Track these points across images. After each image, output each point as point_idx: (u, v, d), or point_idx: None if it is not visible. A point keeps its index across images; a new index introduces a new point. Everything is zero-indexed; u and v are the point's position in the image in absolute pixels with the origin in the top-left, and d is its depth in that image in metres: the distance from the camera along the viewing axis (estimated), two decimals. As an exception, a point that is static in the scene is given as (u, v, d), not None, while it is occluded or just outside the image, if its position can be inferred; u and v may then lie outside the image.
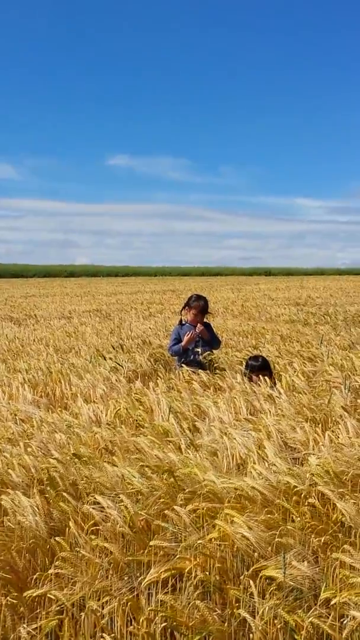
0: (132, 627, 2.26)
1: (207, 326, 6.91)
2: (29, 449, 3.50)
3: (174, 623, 2.18)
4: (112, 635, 2.19)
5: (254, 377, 5.39)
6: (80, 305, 19.22)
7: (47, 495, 2.97)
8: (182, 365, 6.19)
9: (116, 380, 5.81)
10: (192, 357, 6.44)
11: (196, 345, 6.52)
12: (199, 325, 6.57)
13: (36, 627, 2.20)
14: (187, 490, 2.83)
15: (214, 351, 6.53)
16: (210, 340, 6.64)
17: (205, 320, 6.87)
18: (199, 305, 6.75)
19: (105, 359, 7.19)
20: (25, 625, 2.17)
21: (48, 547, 2.68)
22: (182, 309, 6.95)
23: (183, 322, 6.78)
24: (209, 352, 6.43)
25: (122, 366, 6.60)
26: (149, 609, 2.24)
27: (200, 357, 6.36)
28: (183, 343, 6.47)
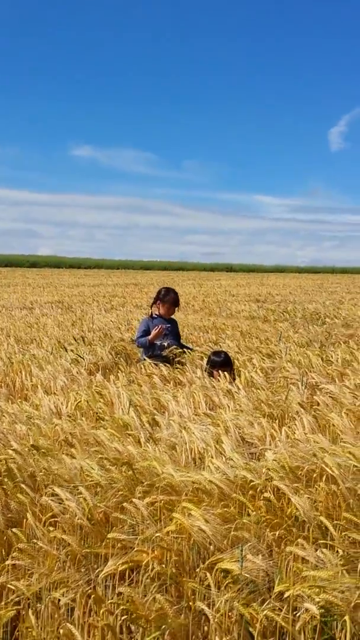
0: (91, 618, 2.28)
1: (176, 323, 6.96)
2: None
3: (133, 616, 2.20)
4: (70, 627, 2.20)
5: (215, 373, 5.43)
6: (42, 297, 19.08)
7: (4, 487, 2.97)
8: (146, 358, 6.23)
9: (77, 372, 5.81)
10: (158, 351, 6.48)
11: (164, 338, 6.56)
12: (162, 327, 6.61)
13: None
14: (145, 483, 2.86)
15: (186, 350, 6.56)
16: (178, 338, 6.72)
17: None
18: (172, 298, 6.83)
19: (66, 350, 7.18)
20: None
21: (5, 538, 2.68)
22: (152, 304, 6.97)
23: (154, 315, 6.81)
24: (174, 346, 6.46)
25: (83, 358, 6.59)
26: (109, 601, 2.26)
27: (166, 351, 6.38)
28: (150, 337, 6.51)
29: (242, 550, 2.21)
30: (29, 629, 2.25)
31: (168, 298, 6.85)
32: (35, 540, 2.53)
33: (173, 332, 6.77)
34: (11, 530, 2.65)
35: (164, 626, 2.16)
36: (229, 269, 73.11)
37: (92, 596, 2.28)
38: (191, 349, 6.75)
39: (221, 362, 5.62)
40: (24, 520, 2.71)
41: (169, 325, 6.72)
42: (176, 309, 6.93)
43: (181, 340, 7.14)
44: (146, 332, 6.66)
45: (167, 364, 5.89)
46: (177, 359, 6.23)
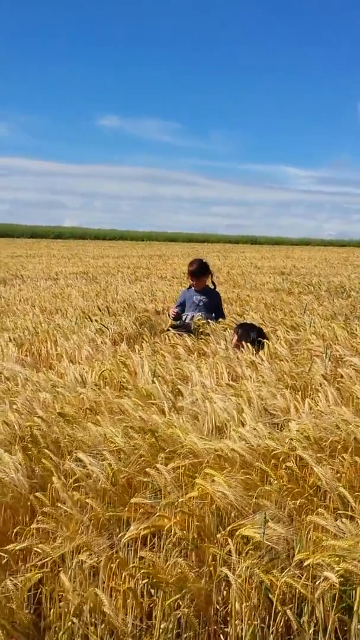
0: (113, 582, 2.33)
1: (215, 295, 6.93)
2: (14, 407, 3.54)
3: (154, 580, 2.24)
4: (96, 590, 2.24)
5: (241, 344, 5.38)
6: (67, 267, 19.14)
7: (29, 453, 3.01)
8: (170, 329, 6.26)
9: (101, 342, 5.84)
10: (188, 321, 6.51)
11: (195, 310, 6.60)
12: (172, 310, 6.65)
13: (19, 581, 2.25)
14: (167, 450, 2.89)
15: (211, 322, 6.51)
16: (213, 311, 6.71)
17: (213, 287, 6.93)
18: (189, 270, 6.85)
19: (91, 320, 7.21)
20: (11, 579, 2.22)
21: (29, 503, 2.73)
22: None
23: (190, 286, 6.88)
24: (199, 317, 6.45)
25: (107, 328, 6.62)
26: (132, 565, 2.30)
27: (193, 320, 6.41)
28: (170, 312, 6.64)
29: (265, 517, 2.23)
30: (60, 592, 2.29)
31: (188, 269, 6.92)
32: (59, 504, 2.57)
33: (208, 304, 6.74)
34: (34, 495, 2.69)
35: (184, 590, 2.20)
36: (254, 241, 72.59)
37: (118, 560, 2.32)
38: (217, 321, 6.69)
39: (253, 340, 5.50)
40: (48, 485, 2.76)
41: (203, 297, 6.72)
42: (206, 279, 6.88)
43: (223, 312, 7.10)
44: (180, 304, 6.78)
45: (192, 335, 5.90)
46: (200, 330, 6.23)
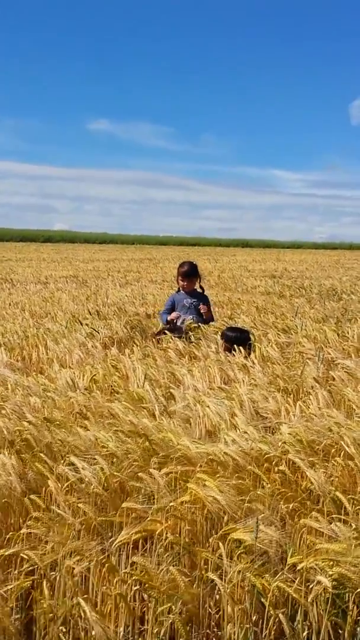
0: (105, 587, 2.31)
1: (205, 298, 6.93)
2: (2, 412, 3.51)
3: (146, 586, 2.22)
4: (86, 596, 2.22)
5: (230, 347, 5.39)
6: (57, 271, 19.10)
7: (22, 456, 2.98)
8: (167, 332, 6.25)
9: (92, 346, 5.82)
10: (180, 325, 6.50)
11: (186, 313, 6.59)
12: (202, 307, 6.62)
13: (7, 590, 2.23)
14: (161, 454, 2.87)
15: (202, 325, 6.50)
16: (205, 315, 6.69)
17: (201, 291, 6.93)
18: (180, 271, 6.86)
19: (81, 324, 7.19)
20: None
21: (23, 506, 2.70)
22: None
23: (179, 290, 6.87)
24: (190, 321, 6.44)
25: (98, 332, 6.60)
26: (123, 571, 2.28)
27: (184, 324, 6.40)
28: (170, 317, 6.57)
29: (257, 521, 2.21)
30: (41, 600, 2.27)
31: (179, 270, 6.97)
32: (53, 507, 2.55)
33: (198, 307, 6.73)
34: (29, 498, 2.66)
35: (176, 597, 2.18)
36: (245, 244, 72.65)
37: (107, 565, 2.30)
38: (207, 323, 6.67)
39: (234, 339, 5.54)
40: (43, 488, 2.74)
41: (194, 300, 6.72)
42: (196, 280, 6.88)
43: (213, 315, 7.10)
44: (170, 307, 6.76)
45: (184, 339, 5.88)
46: (191, 334, 6.21)
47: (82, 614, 2.18)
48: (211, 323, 6.69)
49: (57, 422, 3.30)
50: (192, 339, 5.96)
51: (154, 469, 2.70)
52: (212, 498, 2.40)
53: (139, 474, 2.68)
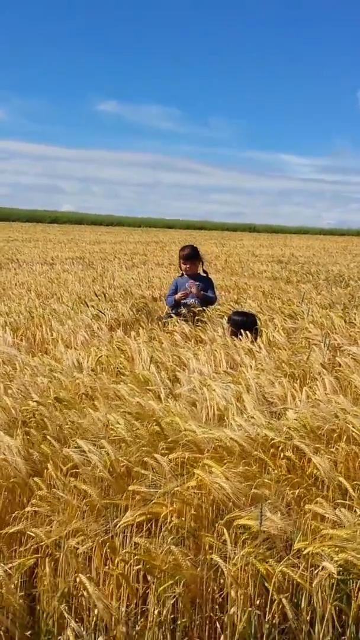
0: (107, 567, 2.31)
1: (208, 281, 6.92)
2: (9, 391, 3.51)
3: (148, 566, 2.22)
4: (88, 575, 2.23)
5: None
6: (63, 252, 19.08)
7: (29, 437, 2.98)
8: (172, 315, 6.24)
9: (98, 327, 5.82)
10: (183, 309, 6.50)
11: (191, 296, 6.59)
12: (191, 282, 6.60)
13: (12, 566, 2.24)
14: (169, 439, 2.86)
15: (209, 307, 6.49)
16: (204, 296, 6.67)
17: (204, 273, 6.92)
18: (181, 254, 6.87)
19: (87, 306, 7.18)
20: (2, 564, 2.20)
21: (27, 487, 2.71)
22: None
23: (182, 274, 6.87)
24: (199, 306, 6.43)
25: (104, 314, 6.59)
26: (124, 550, 2.28)
27: (185, 309, 6.40)
28: (177, 296, 6.56)
29: (261, 508, 2.21)
30: (43, 578, 2.28)
31: (180, 253, 6.98)
32: (55, 489, 2.55)
33: (203, 290, 6.72)
34: (33, 479, 2.67)
35: (178, 576, 2.18)
36: (252, 229, 72.34)
37: (107, 544, 2.30)
38: (210, 304, 6.65)
39: (240, 323, 5.52)
40: (45, 470, 2.74)
41: (197, 283, 6.70)
42: (198, 263, 6.88)
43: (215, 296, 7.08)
44: (174, 291, 6.76)
45: (189, 322, 5.88)
46: (197, 317, 6.21)
47: (85, 593, 2.19)
48: (215, 305, 6.70)
49: (66, 403, 3.30)
50: (198, 322, 5.96)
51: (162, 454, 2.69)
52: (218, 485, 2.40)
53: (146, 459, 2.67)
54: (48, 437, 2.93)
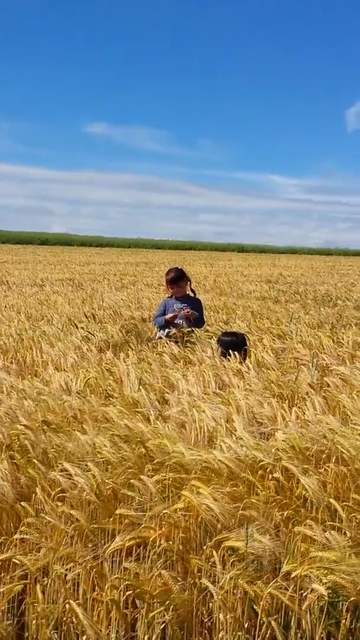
0: (96, 593, 2.29)
1: (196, 302, 6.92)
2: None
3: (138, 591, 2.21)
4: (77, 601, 2.21)
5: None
6: (53, 274, 19.09)
7: (15, 461, 2.97)
8: (162, 337, 6.24)
9: (87, 349, 5.81)
10: (173, 330, 6.49)
11: (179, 318, 6.59)
12: (187, 312, 6.60)
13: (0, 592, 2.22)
14: (155, 461, 2.85)
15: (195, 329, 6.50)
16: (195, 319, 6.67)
17: (192, 294, 6.92)
18: (167, 278, 6.88)
19: (77, 328, 7.18)
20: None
21: (14, 512, 2.69)
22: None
23: (170, 295, 6.87)
24: (187, 327, 6.43)
25: (93, 336, 6.59)
26: (114, 576, 2.27)
27: (173, 330, 6.39)
28: (167, 316, 6.56)
29: (247, 528, 2.20)
30: (35, 604, 2.26)
31: (165, 278, 6.97)
32: (43, 515, 2.54)
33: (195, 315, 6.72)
34: (20, 504, 2.65)
35: (168, 602, 2.17)
36: (241, 249, 72.61)
37: (95, 570, 2.29)
38: (198, 327, 6.66)
39: (230, 343, 5.52)
40: (33, 495, 2.72)
41: (184, 305, 6.70)
42: (185, 285, 6.87)
43: (204, 319, 7.09)
44: (163, 312, 6.73)
45: (179, 344, 5.88)
46: (186, 339, 6.21)
47: (74, 619, 2.17)
48: (204, 327, 6.70)
49: (53, 426, 3.29)
50: (187, 343, 5.96)
51: (149, 475, 2.68)
52: (205, 506, 2.39)
53: (132, 481, 2.66)
54: (34, 460, 2.92)
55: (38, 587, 2.26)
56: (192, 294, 6.97)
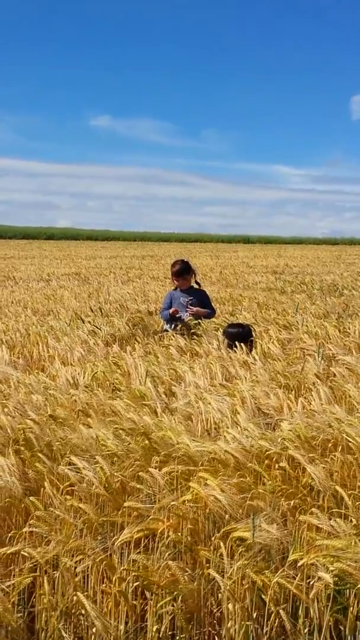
0: (104, 585, 2.31)
1: (202, 294, 6.92)
2: (5, 409, 3.52)
3: (146, 582, 2.23)
4: (86, 593, 2.23)
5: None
6: (59, 268, 19.12)
7: (22, 456, 2.99)
8: (169, 330, 6.24)
9: (94, 343, 5.82)
10: (179, 323, 6.51)
11: (183, 310, 6.60)
12: (191, 307, 6.61)
13: (10, 585, 2.24)
14: (162, 453, 2.87)
15: (205, 320, 6.52)
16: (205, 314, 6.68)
17: (198, 286, 6.93)
18: (173, 271, 6.88)
19: (83, 322, 7.19)
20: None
21: (23, 506, 2.71)
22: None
23: (176, 287, 6.87)
24: (194, 320, 6.45)
25: (100, 330, 6.60)
26: (122, 568, 2.29)
27: (184, 321, 6.41)
28: (171, 311, 6.57)
29: (252, 519, 2.22)
30: (42, 596, 2.28)
31: (171, 270, 6.96)
32: (52, 509, 2.55)
33: (196, 305, 6.73)
34: (29, 499, 2.67)
35: (176, 592, 2.19)
36: (246, 240, 72.42)
37: (103, 562, 2.30)
38: (207, 318, 6.67)
39: (236, 334, 5.54)
40: (42, 489, 2.74)
41: (191, 298, 6.71)
42: (190, 277, 6.87)
43: (213, 308, 7.09)
44: (169, 305, 6.75)
45: (185, 335, 5.89)
46: (192, 331, 6.22)
47: (83, 611, 2.19)
48: (212, 319, 6.71)
49: (61, 420, 3.31)
50: (193, 335, 5.97)
51: (155, 468, 2.70)
52: (213, 498, 2.41)
53: (140, 474, 2.68)
54: (40, 454, 2.94)
55: (45, 580, 2.28)
56: (197, 286, 6.98)
